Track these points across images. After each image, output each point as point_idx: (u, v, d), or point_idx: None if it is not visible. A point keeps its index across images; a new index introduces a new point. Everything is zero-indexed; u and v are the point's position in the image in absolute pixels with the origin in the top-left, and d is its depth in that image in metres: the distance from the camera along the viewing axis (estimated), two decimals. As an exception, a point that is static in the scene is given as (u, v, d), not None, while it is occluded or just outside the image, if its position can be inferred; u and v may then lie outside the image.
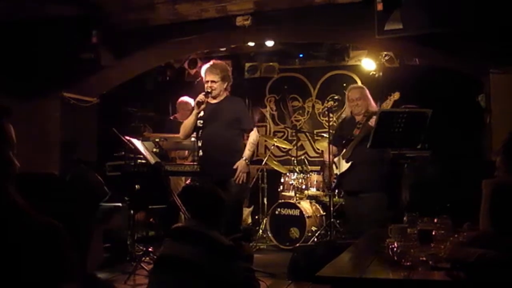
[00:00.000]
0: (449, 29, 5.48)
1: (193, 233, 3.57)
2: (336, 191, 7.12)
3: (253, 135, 5.79)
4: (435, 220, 3.08)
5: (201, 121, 5.68)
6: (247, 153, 5.65)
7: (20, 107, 6.26)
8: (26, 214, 1.62)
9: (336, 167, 6.00)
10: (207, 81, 5.64)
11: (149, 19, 6.62)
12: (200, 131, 5.71)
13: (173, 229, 3.75)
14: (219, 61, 5.90)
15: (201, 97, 5.57)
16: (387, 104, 5.76)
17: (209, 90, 5.62)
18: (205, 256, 3.40)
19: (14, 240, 1.56)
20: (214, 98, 5.71)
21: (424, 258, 2.58)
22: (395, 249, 2.64)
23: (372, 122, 5.64)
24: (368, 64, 8.72)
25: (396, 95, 5.81)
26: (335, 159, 6.03)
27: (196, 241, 3.50)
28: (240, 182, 5.56)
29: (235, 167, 5.52)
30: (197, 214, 3.74)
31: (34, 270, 1.55)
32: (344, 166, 5.93)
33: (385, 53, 8.25)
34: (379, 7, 5.53)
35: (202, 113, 5.67)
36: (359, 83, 8.59)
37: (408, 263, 2.57)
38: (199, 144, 5.73)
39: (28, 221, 1.61)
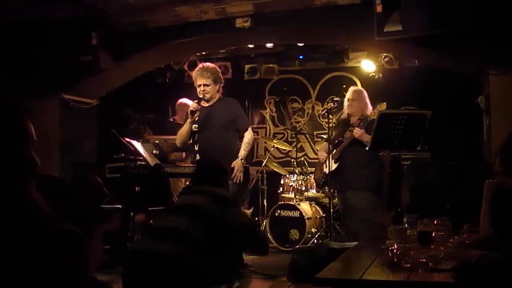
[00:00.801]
0: (449, 30, 5.48)
1: (197, 189, 3.87)
2: (328, 189, 7.14)
3: (248, 135, 5.83)
4: (435, 222, 3.08)
5: (196, 126, 5.71)
6: (242, 153, 5.72)
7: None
8: (45, 215, 1.62)
9: (326, 166, 6.09)
10: (199, 85, 5.67)
11: (149, 21, 6.62)
12: (196, 135, 5.73)
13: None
14: (208, 64, 5.92)
15: (194, 105, 5.63)
16: (374, 114, 5.81)
17: (201, 96, 5.66)
18: (207, 202, 3.65)
19: (30, 241, 1.56)
20: (207, 101, 5.73)
21: (424, 260, 2.57)
22: (394, 250, 2.64)
23: (357, 133, 5.72)
24: (368, 65, 8.72)
25: (382, 106, 5.87)
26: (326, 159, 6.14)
27: (199, 193, 3.81)
28: (237, 181, 5.60)
29: (232, 166, 5.56)
30: (201, 178, 4.00)
31: (48, 272, 1.55)
32: (333, 165, 6.04)
33: (385, 54, 8.25)
34: (379, 8, 5.53)
35: (196, 118, 5.70)
36: (359, 85, 8.60)
37: (408, 265, 2.56)
38: (196, 148, 5.76)
39: (46, 224, 1.61)
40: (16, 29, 6.46)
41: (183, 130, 5.78)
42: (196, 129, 5.72)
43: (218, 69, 5.90)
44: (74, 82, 6.89)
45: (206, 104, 5.74)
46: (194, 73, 5.83)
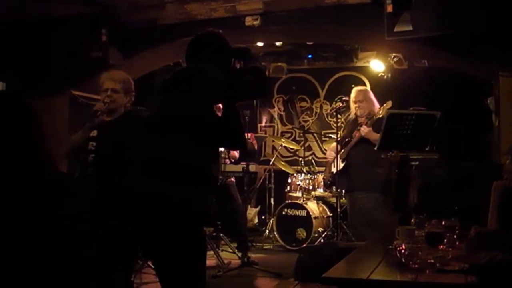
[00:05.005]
0: (459, 31, 5.46)
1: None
2: (335, 189, 7.13)
3: None
4: (443, 223, 3.07)
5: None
6: None
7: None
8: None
9: (334, 166, 6.09)
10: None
11: (158, 19, 6.64)
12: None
13: None
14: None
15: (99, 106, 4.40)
16: (380, 111, 5.78)
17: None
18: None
19: None
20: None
21: (432, 261, 2.57)
22: (402, 251, 2.63)
23: (363, 131, 5.70)
24: (377, 65, 8.70)
25: (388, 104, 5.85)
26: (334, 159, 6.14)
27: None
28: None
29: None
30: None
31: None
32: (341, 165, 6.04)
33: (394, 54, 8.23)
34: (389, 8, 5.51)
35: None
36: (368, 85, 8.60)
37: (415, 265, 2.56)
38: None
39: None
40: (26, 26, 6.48)
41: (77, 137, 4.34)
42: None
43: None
44: (83, 79, 6.91)
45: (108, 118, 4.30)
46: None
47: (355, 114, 6.03)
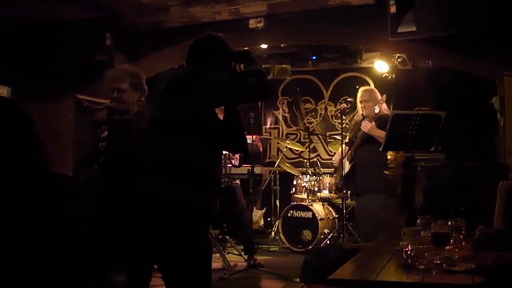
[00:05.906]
0: (463, 31, 5.45)
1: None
2: (346, 192, 7.13)
3: None
4: (449, 223, 3.07)
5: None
6: None
7: (34, 109, 6.28)
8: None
9: (343, 169, 6.09)
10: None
11: (163, 22, 6.65)
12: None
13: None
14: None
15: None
16: (378, 109, 5.78)
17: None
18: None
19: None
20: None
21: (438, 261, 2.56)
22: (408, 252, 2.63)
23: (365, 128, 5.68)
24: (381, 66, 8.71)
25: (383, 98, 5.84)
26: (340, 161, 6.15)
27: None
28: None
29: None
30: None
31: None
32: (348, 167, 6.02)
33: (398, 55, 8.23)
34: (393, 9, 5.51)
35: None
36: (372, 85, 8.58)
37: (422, 266, 2.55)
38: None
39: None
40: (32, 30, 6.49)
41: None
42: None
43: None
44: (88, 83, 6.93)
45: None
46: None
47: (362, 114, 6.02)
